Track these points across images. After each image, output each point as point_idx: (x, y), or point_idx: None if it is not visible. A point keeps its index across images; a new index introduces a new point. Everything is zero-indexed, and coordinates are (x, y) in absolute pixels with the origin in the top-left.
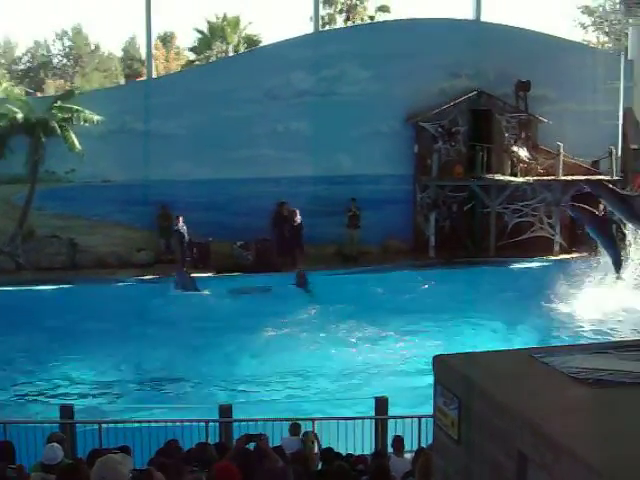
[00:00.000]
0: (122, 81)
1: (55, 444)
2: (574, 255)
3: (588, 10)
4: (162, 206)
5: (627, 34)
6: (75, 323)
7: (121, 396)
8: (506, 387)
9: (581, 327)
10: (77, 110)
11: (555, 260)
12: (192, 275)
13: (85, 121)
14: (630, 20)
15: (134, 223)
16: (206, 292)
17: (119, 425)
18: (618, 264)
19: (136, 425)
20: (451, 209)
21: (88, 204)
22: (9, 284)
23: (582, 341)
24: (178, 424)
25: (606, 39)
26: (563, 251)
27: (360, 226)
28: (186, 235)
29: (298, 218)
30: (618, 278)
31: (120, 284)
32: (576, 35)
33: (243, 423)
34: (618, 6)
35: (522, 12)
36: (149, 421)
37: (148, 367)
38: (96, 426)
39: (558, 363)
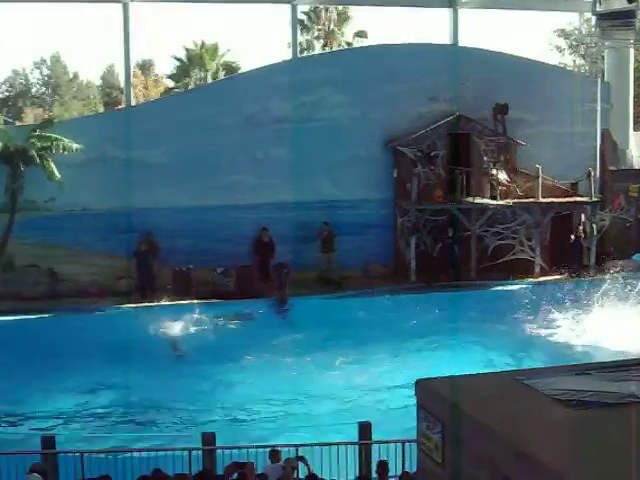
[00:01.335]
0: (101, 109)
1: (34, 474)
2: (554, 277)
3: (564, 33)
4: (146, 233)
5: (603, 57)
6: (56, 353)
7: (104, 425)
8: (490, 410)
9: (564, 349)
10: (56, 139)
11: (536, 282)
12: None
13: (64, 150)
14: (606, 43)
15: (115, 251)
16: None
17: (101, 455)
18: None
19: (119, 455)
20: (431, 233)
21: (68, 233)
22: None
23: (564, 363)
24: (161, 453)
25: (582, 62)
26: (543, 273)
27: (335, 249)
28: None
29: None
30: None
31: (101, 313)
32: (552, 58)
33: (227, 451)
34: (594, 29)
35: (498, 36)
36: (132, 450)
37: (131, 396)
38: (78, 456)
39: (541, 385)
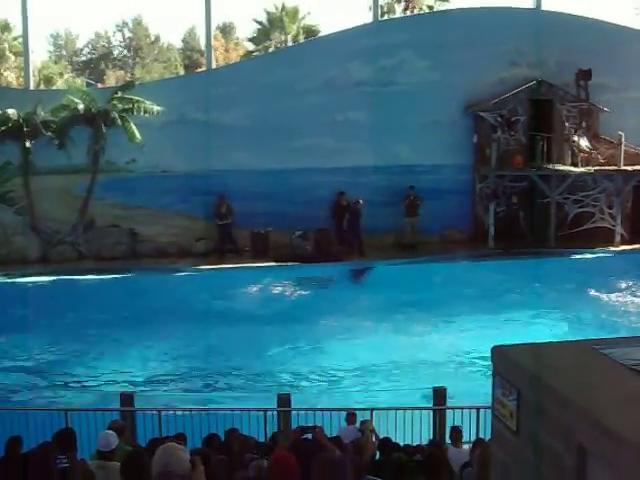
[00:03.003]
0: (182, 72)
1: (109, 431)
2: (635, 246)
3: None
4: (220, 195)
5: None
6: (134, 312)
7: (180, 384)
8: (566, 379)
9: None
10: (137, 101)
11: (616, 251)
12: None
13: (145, 112)
14: None
15: (194, 213)
16: None
17: (178, 413)
18: None
19: (195, 413)
20: (510, 199)
21: (148, 194)
22: (71, 273)
23: None
24: (237, 413)
25: None
26: (624, 242)
27: (419, 214)
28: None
29: (359, 206)
30: None
31: (180, 274)
32: (637, 22)
33: (302, 412)
34: None
35: (582, 0)
36: (208, 409)
37: (207, 356)
38: (156, 413)
39: (619, 355)
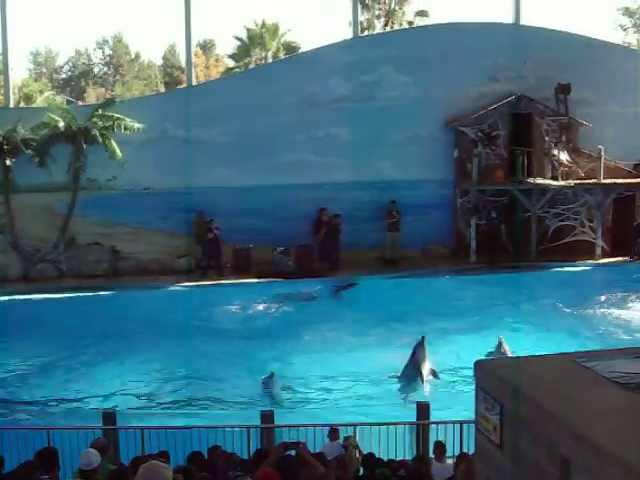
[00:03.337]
0: (162, 89)
1: (91, 449)
2: (616, 259)
3: (628, 12)
4: (198, 213)
5: None
6: (117, 329)
7: (163, 401)
8: (549, 392)
9: (624, 331)
10: (118, 118)
11: (597, 264)
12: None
13: (126, 129)
14: None
15: (176, 230)
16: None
17: (161, 431)
18: None
19: (178, 430)
20: (491, 214)
21: (130, 211)
22: (52, 291)
23: (625, 346)
24: (220, 430)
25: None
26: (605, 255)
27: (400, 229)
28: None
29: (338, 220)
30: None
31: (161, 290)
32: (616, 37)
33: (285, 429)
34: None
35: (561, 15)
36: (191, 427)
37: (190, 373)
38: (139, 431)
39: (601, 368)
